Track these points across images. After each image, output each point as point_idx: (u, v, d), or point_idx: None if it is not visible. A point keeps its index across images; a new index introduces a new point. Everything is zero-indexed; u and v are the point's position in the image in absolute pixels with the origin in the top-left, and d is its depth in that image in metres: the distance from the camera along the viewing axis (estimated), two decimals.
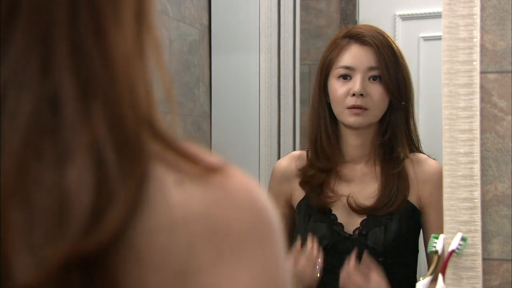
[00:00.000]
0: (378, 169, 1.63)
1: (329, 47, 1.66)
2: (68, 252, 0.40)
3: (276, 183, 1.71)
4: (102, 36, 0.43)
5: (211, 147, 2.64)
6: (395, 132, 1.62)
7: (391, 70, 1.60)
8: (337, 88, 1.60)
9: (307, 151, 1.69)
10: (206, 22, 2.63)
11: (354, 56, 1.60)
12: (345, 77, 1.60)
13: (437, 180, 1.56)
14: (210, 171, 0.47)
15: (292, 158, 1.72)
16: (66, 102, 0.41)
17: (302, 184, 1.65)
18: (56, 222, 0.40)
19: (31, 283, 0.39)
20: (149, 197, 0.43)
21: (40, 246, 0.40)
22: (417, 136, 1.68)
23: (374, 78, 1.60)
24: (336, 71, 1.61)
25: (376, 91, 1.59)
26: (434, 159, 1.65)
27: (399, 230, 1.57)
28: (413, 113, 1.65)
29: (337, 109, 1.62)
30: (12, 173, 0.40)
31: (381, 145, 1.63)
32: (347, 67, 1.60)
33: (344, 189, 1.63)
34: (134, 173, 0.43)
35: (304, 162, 1.68)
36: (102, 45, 0.43)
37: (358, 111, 1.58)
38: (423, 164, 1.62)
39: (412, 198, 1.60)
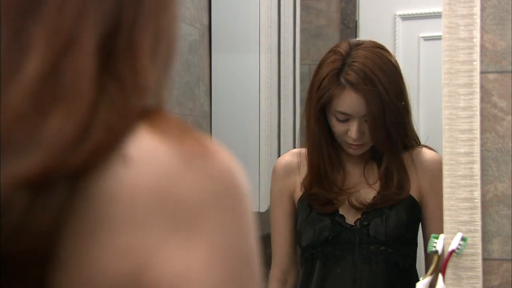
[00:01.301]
0: (378, 165, 1.66)
1: (322, 84, 1.62)
2: (40, 168, 0.39)
3: (279, 179, 1.73)
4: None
5: None
6: (392, 142, 1.64)
7: (379, 115, 1.60)
8: (336, 126, 1.63)
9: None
10: (206, 22, 2.63)
11: (349, 104, 1.60)
12: (342, 120, 1.62)
13: (436, 170, 1.61)
14: (196, 143, 0.45)
15: (293, 155, 1.75)
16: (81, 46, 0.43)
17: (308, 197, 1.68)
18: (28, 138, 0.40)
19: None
20: (120, 151, 0.42)
21: (10, 160, 0.39)
22: (416, 138, 1.70)
23: (366, 120, 1.62)
24: (334, 112, 1.62)
25: (361, 136, 1.63)
26: (433, 150, 1.69)
27: (400, 220, 1.61)
28: (410, 119, 1.67)
29: (337, 138, 1.66)
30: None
31: (379, 147, 1.66)
32: (345, 114, 1.61)
33: (347, 187, 1.66)
34: (122, 123, 0.43)
35: (304, 158, 1.69)
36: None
37: (357, 147, 1.63)
38: (421, 155, 1.67)
39: (412, 190, 1.64)
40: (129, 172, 0.42)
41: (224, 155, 0.45)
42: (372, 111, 1.59)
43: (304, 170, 1.70)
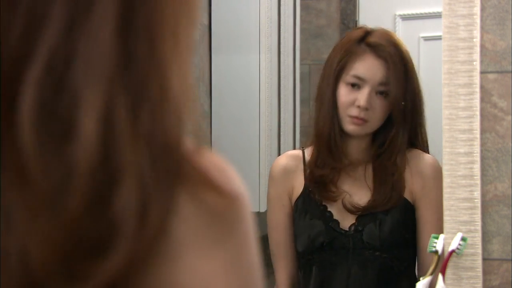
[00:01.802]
0: (373, 168, 1.64)
1: (343, 49, 1.64)
2: (109, 274, 0.40)
3: (277, 182, 1.71)
4: (153, 49, 0.43)
5: (211, 147, 2.63)
6: (392, 148, 1.64)
7: (400, 87, 1.61)
8: (344, 95, 1.61)
9: (303, 151, 1.70)
10: (206, 22, 2.63)
11: (368, 67, 1.60)
12: (354, 85, 1.61)
13: (430, 174, 1.61)
14: (219, 197, 0.47)
15: (290, 157, 1.73)
16: (119, 117, 0.41)
17: (309, 182, 1.66)
18: (103, 241, 0.40)
19: None
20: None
21: (80, 263, 0.40)
22: (425, 141, 1.69)
23: (381, 92, 1.62)
24: (347, 77, 1.61)
25: (380, 106, 1.62)
26: (429, 155, 1.68)
27: (394, 224, 1.59)
28: (422, 122, 1.67)
29: (341, 114, 1.63)
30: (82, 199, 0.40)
31: (378, 150, 1.65)
32: (359, 77, 1.60)
33: (344, 187, 1.64)
34: (169, 199, 0.43)
35: (300, 161, 1.68)
36: (154, 60, 0.43)
37: (359, 121, 1.60)
38: (416, 159, 1.65)
39: (406, 193, 1.63)
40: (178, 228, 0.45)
41: (235, 178, 0.49)
42: (392, 78, 1.59)
43: (301, 173, 1.68)
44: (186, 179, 0.45)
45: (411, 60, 1.65)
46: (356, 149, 1.66)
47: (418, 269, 1.65)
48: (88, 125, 0.39)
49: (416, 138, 1.67)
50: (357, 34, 1.66)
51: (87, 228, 0.40)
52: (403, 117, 1.63)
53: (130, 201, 0.40)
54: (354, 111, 1.60)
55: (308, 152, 1.70)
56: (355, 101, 1.60)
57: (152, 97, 0.42)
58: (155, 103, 0.43)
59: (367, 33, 1.65)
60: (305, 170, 1.68)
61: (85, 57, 0.40)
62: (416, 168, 1.63)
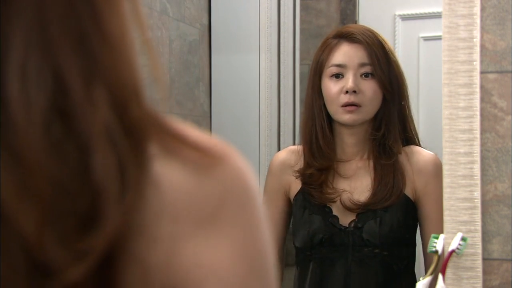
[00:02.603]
0: (372, 164, 1.64)
1: (320, 48, 1.69)
2: (106, 242, 0.40)
3: (274, 176, 1.71)
4: (99, 20, 0.43)
5: None
6: (389, 128, 1.64)
7: (383, 66, 1.63)
8: (331, 87, 1.63)
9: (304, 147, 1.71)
10: (206, 22, 2.63)
11: (344, 53, 1.63)
12: (338, 75, 1.63)
13: (432, 171, 1.61)
14: (205, 155, 0.47)
15: (290, 152, 1.73)
16: (73, 85, 0.41)
17: (303, 183, 1.66)
18: (91, 211, 0.40)
19: (76, 279, 0.39)
20: (151, 180, 0.44)
21: (79, 237, 0.40)
22: (415, 132, 1.69)
23: (366, 75, 1.63)
24: (329, 70, 1.64)
25: (369, 87, 1.62)
26: (430, 152, 1.68)
27: (395, 222, 1.58)
28: (409, 109, 1.67)
29: (331, 108, 1.64)
30: (39, 159, 0.39)
31: (375, 141, 1.64)
32: (339, 65, 1.63)
33: (342, 186, 1.64)
34: (141, 156, 0.43)
35: (301, 156, 1.69)
36: (100, 28, 0.43)
37: (352, 108, 1.61)
38: (417, 155, 1.65)
39: (408, 191, 1.62)
40: (157, 193, 0.45)
41: (234, 157, 0.48)
42: (373, 57, 1.62)
43: (298, 168, 1.68)
44: (160, 136, 0.46)
45: (389, 45, 1.68)
46: (352, 144, 1.66)
47: (425, 267, 1.64)
48: (38, 97, 0.40)
49: (408, 132, 1.67)
50: (331, 33, 1.72)
51: (74, 201, 0.40)
52: (392, 98, 1.64)
53: (108, 164, 0.41)
54: (344, 98, 1.61)
55: None
56: (343, 88, 1.61)
57: (102, 57, 0.43)
58: (106, 63, 0.43)
59: (339, 29, 1.72)
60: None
61: (24, 24, 0.41)
62: (418, 165, 1.63)
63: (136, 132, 0.44)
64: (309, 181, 1.64)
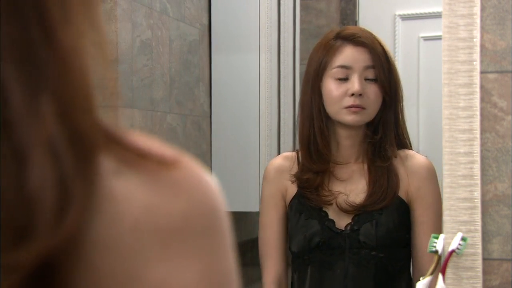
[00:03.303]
0: (367, 166, 1.65)
1: (320, 49, 1.68)
2: (37, 254, 0.39)
3: (271, 182, 1.71)
4: (48, 28, 0.42)
5: (211, 147, 2.64)
6: (385, 132, 1.66)
7: (386, 70, 1.65)
8: (334, 89, 1.63)
9: (297, 152, 1.71)
10: (206, 22, 2.63)
11: (350, 56, 1.63)
12: (341, 79, 1.63)
13: (425, 175, 1.63)
14: (160, 164, 0.45)
15: (284, 158, 1.73)
16: (13, 95, 0.40)
17: (299, 187, 1.66)
18: (23, 223, 0.39)
19: None
20: (102, 193, 0.43)
21: (8, 250, 0.39)
22: (407, 136, 1.71)
23: (370, 79, 1.64)
24: (332, 71, 1.63)
25: (373, 91, 1.63)
26: (423, 156, 1.70)
27: (390, 224, 1.60)
28: (403, 113, 1.69)
29: (332, 109, 1.64)
30: None
31: (371, 144, 1.66)
32: (344, 67, 1.62)
33: (337, 188, 1.64)
34: (88, 169, 0.42)
35: (294, 162, 1.69)
36: (49, 36, 0.42)
37: (357, 109, 1.62)
38: (411, 159, 1.66)
39: (401, 193, 1.63)
40: (111, 206, 0.43)
41: (205, 176, 0.47)
42: (377, 61, 1.63)
43: (293, 173, 1.69)
44: (114, 148, 0.44)
45: (389, 52, 1.69)
46: (348, 146, 1.67)
47: (413, 269, 1.65)
48: None
49: (401, 135, 1.68)
50: (330, 34, 1.70)
51: (11, 213, 0.39)
52: (390, 101, 1.66)
53: (46, 177, 0.39)
54: (349, 101, 1.61)
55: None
56: (347, 91, 1.61)
57: (50, 67, 0.42)
58: (54, 73, 0.42)
59: (340, 30, 1.69)
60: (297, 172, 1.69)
61: None
62: (412, 168, 1.64)
63: (84, 144, 0.42)
64: (306, 184, 1.65)
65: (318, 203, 1.63)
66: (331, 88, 1.63)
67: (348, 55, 1.63)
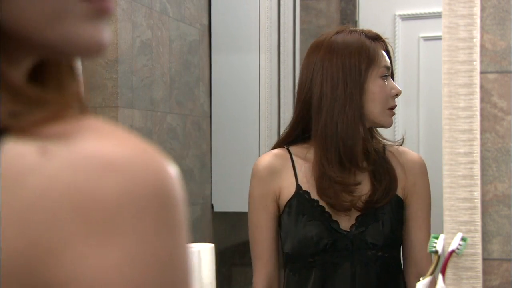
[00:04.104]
0: (367, 165, 1.63)
1: (361, 48, 1.61)
2: None
3: (262, 181, 1.64)
4: None
5: (211, 147, 2.64)
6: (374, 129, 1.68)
7: (392, 72, 1.69)
8: (382, 89, 1.61)
9: (288, 149, 1.65)
10: (206, 22, 2.63)
11: (386, 57, 1.64)
12: (385, 77, 1.62)
13: (419, 171, 1.65)
14: (72, 133, 0.42)
15: (274, 156, 1.66)
16: None
17: (321, 193, 1.61)
18: None
19: None
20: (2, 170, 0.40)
21: None
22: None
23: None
24: (380, 70, 1.61)
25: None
26: (415, 152, 1.72)
27: (394, 223, 1.60)
28: None
29: (376, 109, 1.60)
30: None
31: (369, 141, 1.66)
32: (387, 68, 1.63)
33: (356, 192, 1.62)
34: None
35: (287, 161, 1.65)
36: None
37: (393, 112, 1.64)
38: (405, 155, 1.67)
39: (399, 190, 1.63)
40: (46, 164, 0.41)
41: (153, 158, 0.43)
42: (391, 63, 1.66)
43: (290, 172, 1.64)
44: (14, 126, 0.42)
45: None
46: (363, 148, 1.65)
47: (404, 265, 1.64)
48: None
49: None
50: (355, 34, 1.64)
51: None
52: None
53: None
54: (392, 102, 1.62)
55: (296, 151, 1.66)
56: (391, 91, 1.61)
57: None
58: None
59: (361, 30, 1.67)
60: (295, 172, 1.63)
61: None
62: (407, 165, 1.65)
63: None
64: (334, 187, 1.59)
65: (337, 207, 1.59)
66: (379, 87, 1.60)
67: (385, 55, 1.64)
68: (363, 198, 1.60)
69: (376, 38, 1.64)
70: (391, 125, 1.64)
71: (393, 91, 1.61)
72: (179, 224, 0.43)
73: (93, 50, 0.47)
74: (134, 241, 0.40)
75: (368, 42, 1.62)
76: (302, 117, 1.64)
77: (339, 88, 1.59)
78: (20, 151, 0.41)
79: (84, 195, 0.40)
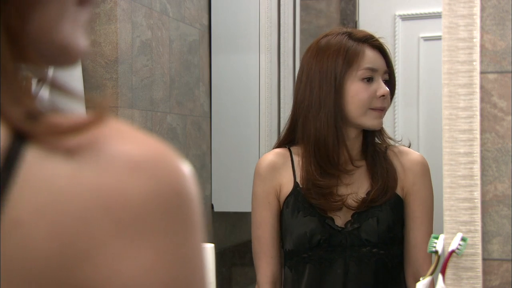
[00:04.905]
0: (367, 163, 1.65)
1: (339, 50, 1.62)
2: None
3: (264, 180, 1.68)
4: None
5: (211, 147, 2.64)
6: (382, 129, 1.69)
7: (393, 73, 1.69)
8: (361, 90, 1.62)
9: (289, 148, 1.69)
10: (206, 22, 2.63)
11: (373, 58, 1.64)
12: (369, 79, 1.62)
13: (419, 170, 1.66)
14: (97, 136, 0.43)
15: (276, 154, 1.70)
16: None
17: (307, 193, 1.63)
18: None
19: None
20: (23, 176, 0.41)
21: None
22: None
23: (385, 81, 1.66)
24: (360, 72, 1.61)
25: (389, 93, 1.66)
26: (417, 152, 1.73)
27: (390, 220, 1.61)
28: None
29: (358, 111, 1.62)
30: None
31: (370, 142, 1.67)
32: (371, 69, 1.62)
33: (345, 191, 1.64)
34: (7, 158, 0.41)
35: (287, 159, 1.68)
36: None
37: (381, 113, 1.64)
38: (406, 155, 1.69)
39: (398, 189, 1.65)
40: (72, 167, 0.41)
41: (174, 158, 0.45)
42: (389, 63, 1.66)
43: (289, 170, 1.67)
44: (36, 133, 0.42)
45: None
46: (353, 148, 1.67)
47: (405, 264, 1.65)
48: None
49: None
50: (342, 37, 1.65)
51: None
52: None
53: None
54: (377, 103, 1.62)
55: (295, 150, 1.69)
56: (375, 93, 1.62)
57: None
58: None
59: (349, 32, 1.67)
60: (294, 169, 1.67)
61: None
62: (407, 164, 1.67)
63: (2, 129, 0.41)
64: (317, 190, 1.62)
65: (326, 208, 1.62)
66: (358, 89, 1.62)
67: (371, 57, 1.63)
68: (359, 196, 1.62)
69: (363, 39, 1.63)
70: (378, 126, 1.64)
71: (378, 93, 1.61)
72: (198, 221, 0.45)
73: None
74: (165, 241, 0.42)
75: (350, 44, 1.62)
76: (296, 120, 1.69)
77: (314, 93, 1.63)
78: (48, 156, 0.42)
79: (113, 196, 0.41)
